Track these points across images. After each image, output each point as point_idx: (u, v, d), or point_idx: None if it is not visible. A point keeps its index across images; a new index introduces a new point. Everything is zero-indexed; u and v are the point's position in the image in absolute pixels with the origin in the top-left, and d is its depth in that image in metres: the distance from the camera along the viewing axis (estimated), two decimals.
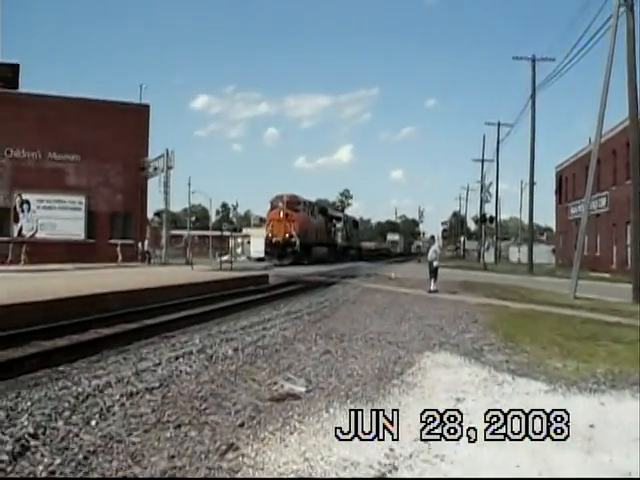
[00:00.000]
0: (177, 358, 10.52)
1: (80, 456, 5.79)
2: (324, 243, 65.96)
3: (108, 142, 55.79)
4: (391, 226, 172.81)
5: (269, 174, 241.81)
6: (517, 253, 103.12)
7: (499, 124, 72.60)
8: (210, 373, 9.55)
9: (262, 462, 5.81)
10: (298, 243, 54.50)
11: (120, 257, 52.64)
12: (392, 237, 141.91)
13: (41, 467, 5.49)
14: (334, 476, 5.60)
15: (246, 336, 13.25)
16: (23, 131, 54.89)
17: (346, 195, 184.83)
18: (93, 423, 6.86)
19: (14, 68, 58.31)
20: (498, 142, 73.41)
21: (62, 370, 9.56)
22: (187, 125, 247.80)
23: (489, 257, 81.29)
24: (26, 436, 6.20)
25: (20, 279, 26.24)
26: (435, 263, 27.48)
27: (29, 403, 7.49)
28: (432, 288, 26.72)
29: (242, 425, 6.98)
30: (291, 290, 27.15)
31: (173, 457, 5.88)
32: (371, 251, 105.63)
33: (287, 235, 54.76)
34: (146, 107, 60.43)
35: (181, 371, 9.58)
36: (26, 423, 6.65)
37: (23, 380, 8.92)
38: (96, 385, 8.36)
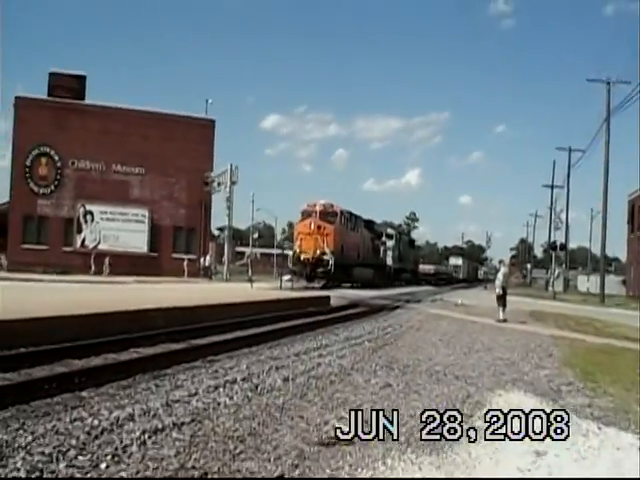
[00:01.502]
0: (217, 387, 9.27)
1: None
2: (369, 263, 55.60)
3: (172, 156, 55.73)
4: (457, 250, 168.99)
5: (337, 195, 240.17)
6: (586, 282, 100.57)
7: (570, 149, 70.59)
8: (252, 407, 8.34)
9: None
10: (332, 262, 43.93)
11: (186, 272, 52.27)
12: (455, 261, 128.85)
13: None
14: None
15: (299, 364, 11.98)
16: (88, 142, 55.25)
17: (412, 218, 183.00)
18: (102, 467, 5.73)
19: (80, 79, 58.65)
20: (569, 167, 71.46)
21: (83, 396, 8.37)
22: (257, 143, 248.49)
23: (557, 286, 78.90)
24: None
25: (77, 290, 25.65)
26: (498, 290, 26.03)
27: (30, 438, 6.35)
28: (501, 317, 25.24)
29: (281, 477, 5.81)
30: (352, 313, 25.87)
31: None
32: (429, 275, 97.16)
33: (318, 251, 44.16)
34: (211, 122, 60.24)
35: (219, 403, 8.35)
36: (19, 464, 5.56)
37: (35, 407, 7.76)
38: (116, 418, 7.18)
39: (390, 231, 70.32)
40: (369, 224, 58.71)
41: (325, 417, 8.08)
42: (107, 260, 50.66)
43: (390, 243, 66.11)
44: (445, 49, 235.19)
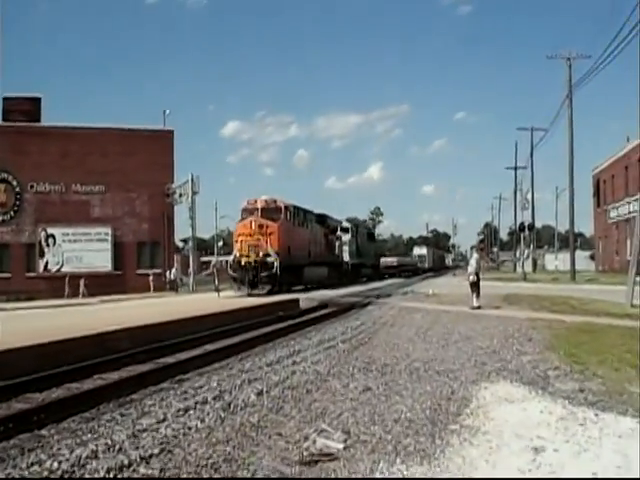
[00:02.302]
0: (187, 410, 8.64)
1: None
2: (322, 262, 50.52)
3: (133, 170, 55.19)
4: (423, 241, 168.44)
5: (300, 196, 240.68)
6: (554, 261, 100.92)
7: (532, 129, 70.51)
8: (226, 429, 7.74)
9: None
10: (277, 264, 38.42)
11: (152, 287, 51.69)
12: (419, 251, 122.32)
13: None
14: None
15: (272, 374, 11.37)
16: (47, 164, 54.56)
17: (377, 213, 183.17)
18: None
19: (35, 101, 57.92)
20: (532, 147, 71.32)
21: (43, 435, 7.70)
22: (218, 152, 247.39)
23: (526, 267, 79.09)
24: None
25: (34, 316, 24.93)
26: (472, 277, 25.64)
27: None
28: (475, 304, 24.86)
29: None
30: (323, 314, 25.30)
31: None
32: (392, 268, 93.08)
33: (261, 254, 38.81)
34: (170, 132, 59.55)
35: (190, 428, 7.75)
36: None
37: None
38: (77, 457, 6.54)
39: (345, 224, 64.87)
40: (321, 218, 53.83)
41: (304, 431, 7.55)
42: (82, 282, 49.98)
43: (346, 237, 61.46)
44: (400, 40, 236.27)
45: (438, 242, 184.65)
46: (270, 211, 41.26)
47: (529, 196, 73.08)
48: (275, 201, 42.34)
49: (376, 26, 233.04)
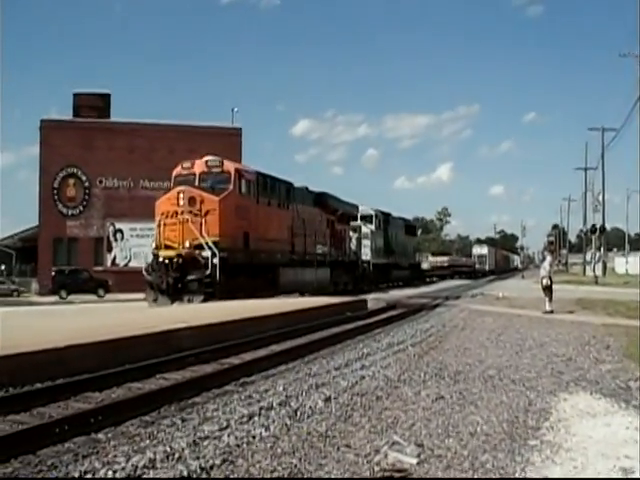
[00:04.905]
0: (251, 417, 8.22)
1: None
2: (321, 260, 38.12)
3: None
4: (489, 241, 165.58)
5: (369, 195, 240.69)
6: (624, 264, 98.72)
7: (603, 129, 68.88)
8: (292, 438, 7.32)
9: None
10: (216, 261, 25.76)
11: None
12: (479, 250, 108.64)
13: None
14: None
15: (341, 379, 10.87)
16: (115, 160, 55.28)
17: (444, 213, 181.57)
18: None
19: (105, 97, 58.76)
20: (603, 147, 69.65)
21: (99, 440, 7.30)
22: (287, 150, 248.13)
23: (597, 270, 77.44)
24: None
25: (98, 310, 25.00)
26: (545, 281, 24.93)
27: None
28: (548, 308, 24.15)
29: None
30: (392, 316, 24.68)
31: None
32: (442, 269, 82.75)
33: (188, 245, 26.05)
34: (238, 130, 59.76)
35: (254, 437, 7.33)
36: None
37: (44, 456, 6.73)
38: (134, 466, 6.17)
39: (366, 211, 50.28)
40: (321, 199, 40.07)
41: (375, 443, 7.11)
42: None
43: (367, 229, 48.58)
44: (470, 41, 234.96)
45: (505, 243, 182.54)
46: (212, 178, 28.47)
47: (600, 197, 71.54)
48: (221, 163, 28.98)
49: (447, 25, 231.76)
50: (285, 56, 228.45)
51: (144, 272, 26.97)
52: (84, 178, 55.99)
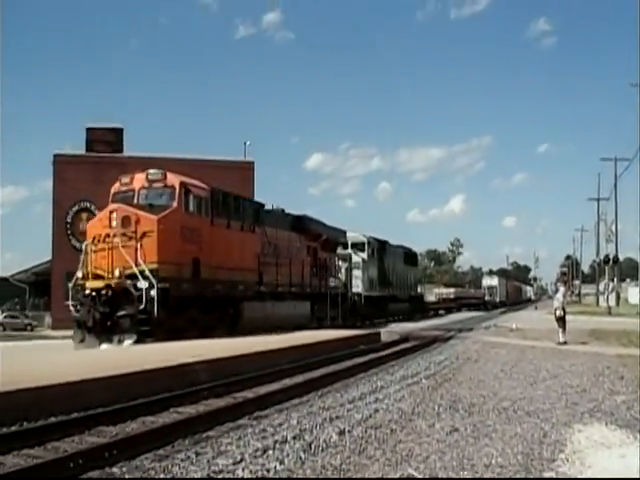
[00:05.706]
0: (265, 450, 8.22)
1: None
2: (297, 292, 32.70)
3: None
4: (502, 273, 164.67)
5: (382, 228, 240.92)
6: (637, 294, 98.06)
7: (616, 159, 68.90)
8: (307, 471, 7.32)
9: None
10: (154, 293, 21.35)
11: None
12: (489, 281, 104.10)
13: None
14: None
15: (355, 412, 10.89)
16: None
17: (456, 244, 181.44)
18: None
19: (118, 132, 59.13)
20: (616, 177, 69.63)
21: (113, 474, 7.34)
22: (300, 183, 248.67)
23: (610, 300, 77.02)
24: None
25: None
26: (558, 312, 24.96)
27: None
28: (561, 339, 24.13)
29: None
30: (406, 348, 24.66)
31: None
32: (448, 301, 78.41)
33: (117, 272, 21.64)
34: (251, 164, 59.96)
35: (268, 470, 7.34)
36: None
37: None
38: None
39: (357, 238, 45.94)
40: (300, 223, 35.20)
41: (390, 476, 7.13)
42: None
43: (358, 257, 44.39)
44: (482, 73, 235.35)
45: (518, 275, 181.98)
46: (153, 194, 24.44)
47: (613, 228, 71.43)
48: (164, 176, 25.00)
49: (460, 58, 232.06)
50: (299, 90, 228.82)
51: (71, 307, 22.74)
52: (97, 212, 56.25)
